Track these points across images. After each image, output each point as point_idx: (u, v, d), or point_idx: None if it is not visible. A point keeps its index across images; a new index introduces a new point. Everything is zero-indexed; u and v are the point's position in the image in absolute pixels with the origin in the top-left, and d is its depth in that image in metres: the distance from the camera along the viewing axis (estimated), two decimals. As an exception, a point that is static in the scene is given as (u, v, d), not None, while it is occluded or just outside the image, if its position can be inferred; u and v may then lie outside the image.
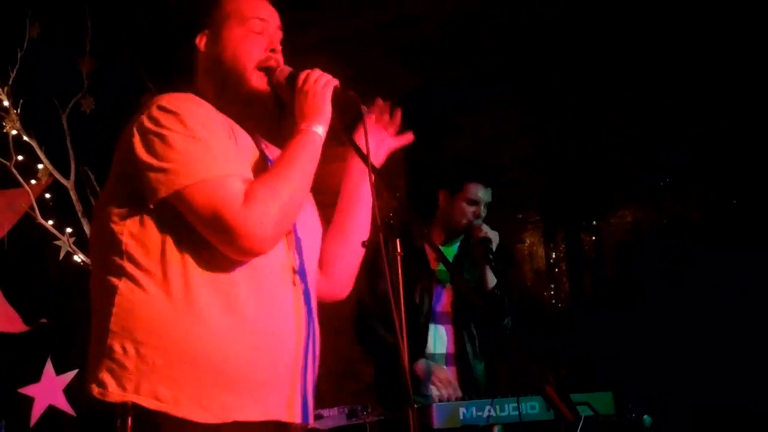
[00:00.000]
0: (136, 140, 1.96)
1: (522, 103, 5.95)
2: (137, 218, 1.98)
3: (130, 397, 1.88)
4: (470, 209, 4.11)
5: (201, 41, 2.21)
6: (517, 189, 5.92)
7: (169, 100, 2.01)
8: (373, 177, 2.08)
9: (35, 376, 5.35)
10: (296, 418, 2.05)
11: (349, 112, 2.13)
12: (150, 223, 1.97)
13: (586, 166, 5.78)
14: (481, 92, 5.96)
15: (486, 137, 6.07)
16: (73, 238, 5.48)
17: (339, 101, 2.12)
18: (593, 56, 5.68)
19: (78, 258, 5.47)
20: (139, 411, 1.88)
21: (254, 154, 2.14)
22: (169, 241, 1.96)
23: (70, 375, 5.39)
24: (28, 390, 5.32)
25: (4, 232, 5.49)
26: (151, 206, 1.95)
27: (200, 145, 1.94)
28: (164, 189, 1.92)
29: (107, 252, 2.00)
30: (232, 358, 1.93)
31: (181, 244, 1.96)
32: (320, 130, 2.10)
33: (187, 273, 1.94)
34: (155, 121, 1.96)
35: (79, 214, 5.51)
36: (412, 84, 5.99)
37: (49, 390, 5.35)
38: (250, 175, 2.01)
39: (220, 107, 2.13)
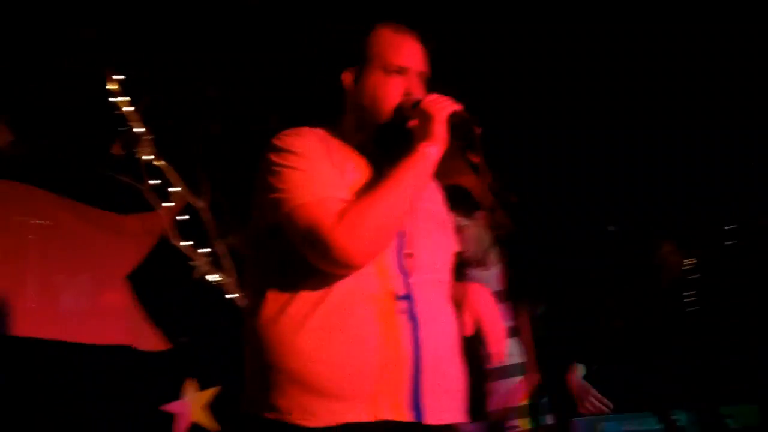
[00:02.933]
0: (258, 182, 2.20)
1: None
2: (260, 243, 2.20)
3: (255, 410, 2.10)
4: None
5: (347, 78, 2.31)
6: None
7: (281, 137, 2.21)
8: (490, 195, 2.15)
9: (177, 393, 5.51)
10: (407, 418, 2.09)
11: (463, 133, 2.19)
12: (265, 249, 2.18)
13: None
14: None
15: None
16: (208, 259, 5.62)
17: (455, 123, 2.18)
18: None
19: (212, 278, 5.61)
20: (262, 422, 2.07)
21: (364, 178, 2.22)
22: (280, 267, 2.14)
23: (212, 391, 5.53)
24: (171, 407, 5.48)
25: (143, 255, 5.69)
26: (266, 232, 2.16)
27: (303, 174, 2.12)
28: (273, 215, 2.12)
29: (248, 282, 2.26)
30: (322, 369, 2.05)
31: (289, 270, 2.12)
32: (433, 150, 2.16)
33: (291, 296, 2.11)
34: (267, 160, 2.18)
35: (213, 236, 5.65)
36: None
37: (191, 406, 5.50)
38: (350, 197, 2.13)
39: (355, 139, 2.29)
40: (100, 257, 5.51)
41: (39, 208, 5.27)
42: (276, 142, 2.20)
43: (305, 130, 2.26)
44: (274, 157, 2.16)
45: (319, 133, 2.27)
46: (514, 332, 3.81)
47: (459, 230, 3.59)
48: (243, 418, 2.13)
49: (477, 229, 3.85)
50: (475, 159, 2.24)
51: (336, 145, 2.25)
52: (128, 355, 5.45)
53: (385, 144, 2.27)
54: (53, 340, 5.08)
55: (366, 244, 2.06)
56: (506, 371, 3.79)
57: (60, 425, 4.95)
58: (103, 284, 5.48)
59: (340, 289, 2.08)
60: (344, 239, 2.02)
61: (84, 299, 5.34)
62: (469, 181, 2.54)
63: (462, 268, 3.56)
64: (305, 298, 2.08)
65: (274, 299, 2.11)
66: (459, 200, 3.48)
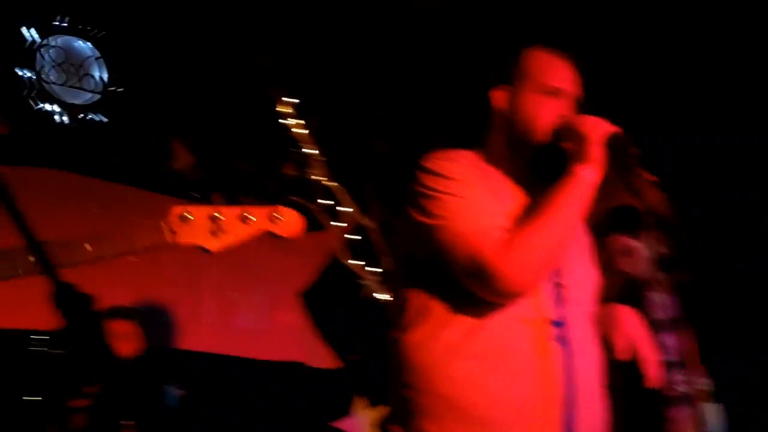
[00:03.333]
0: (408, 206, 2.17)
1: None
2: (412, 272, 2.18)
3: None
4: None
5: (497, 97, 2.27)
6: None
7: (430, 161, 2.16)
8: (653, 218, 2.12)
9: (347, 410, 5.58)
10: None
11: (621, 155, 2.12)
12: (419, 277, 2.15)
13: None
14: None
15: None
16: (377, 278, 5.68)
17: (612, 145, 2.12)
18: None
19: (381, 296, 5.66)
20: None
21: (520, 205, 2.17)
22: (433, 292, 2.11)
23: (381, 409, 5.56)
24: (341, 424, 5.56)
25: (314, 273, 5.82)
26: (421, 261, 2.12)
27: (459, 201, 2.08)
28: (430, 242, 2.08)
29: (397, 305, 2.21)
30: (477, 398, 2.02)
31: (443, 295, 2.10)
32: (590, 173, 2.10)
33: (445, 321, 2.08)
34: (421, 184, 2.14)
35: (382, 255, 5.70)
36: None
37: (359, 424, 5.56)
38: (508, 224, 2.09)
39: (505, 162, 2.25)
40: (273, 275, 5.68)
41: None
42: (428, 165, 2.16)
43: (456, 153, 2.23)
44: (427, 181, 2.13)
45: (468, 156, 2.24)
46: (686, 358, 3.64)
47: (628, 252, 3.46)
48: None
49: (646, 251, 3.71)
50: (635, 180, 2.16)
51: (486, 169, 2.23)
52: (300, 371, 5.58)
53: (540, 166, 2.23)
54: (228, 355, 5.27)
55: (530, 272, 2.02)
56: (683, 398, 3.63)
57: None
58: (275, 302, 5.64)
59: (496, 314, 2.05)
60: (509, 268, 1.99)
61: (258, 316, 5.51)
62: (629, 202, 2.43)
63: (632, 291, 3.44)
64: (460, 323, 2.06)
65: (426, 323, 2.10)
66: (626, 221, 3.37)
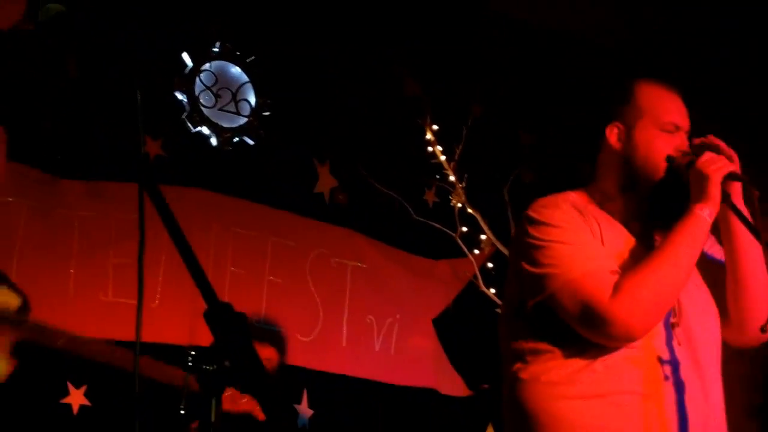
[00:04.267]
0: (516, 251, 2.20)
1: None
2: (518, 322, 2.18)
3: None
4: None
5: (611, 133, 2.25)
6: None
7: (535, 210, 2.18)
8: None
9: (478, 439, 5.57)
10: None
11: (742, 195, 2.11)
12: (527, 323, 2.15)
13: None
14: None
15: None
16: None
17: (731, 186, 2.11)
18: None
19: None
20: None
21: (629, 246, 2.16)
22: (543, 334, 2.12)
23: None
24: (471, 452, 5.55)
25: (450, 299, 5.84)
26: (529, 308, 2.12)
27: (567, 248, 2.08)
28: (539, 293, 2.08)
29: (503, 354, 2.24)
30: None
31: (552, 338, 2.10)
32: (707, 213, 2.06)
33: (553, 361, 2.08)
34: (527, 233, 2.15)
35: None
36: None
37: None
38: (618, 268, 2.07)
39: (615, 198, 2.24)
40: (409, 300, 5.72)
41: (357, 251, 5.57)
42: (532, 214, 2.17)
43: (560, 199, 2.23)
44: (533, 231, 2.13)
45: (573, 198, 2.24)
46: None
47: None
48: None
49: None
50: (754, 220, 2.13)
51: (591, 210, 2.21)
52: (432, 398, 5.59)
53: (653, 205, 2.21)
54: (363, 378, 5.33)
55: (645, 317, 2.00)
56: None
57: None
58: (411, 327, 5.67)
59: (604, 354, 2.04)
60: (623, 314, 1.96)
61: (393, 341, 5.55)
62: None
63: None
64: (567, 365, 2.06)
65: (535, 362, 2.11)
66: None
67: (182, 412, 2.73)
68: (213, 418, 1.54)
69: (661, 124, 2.19)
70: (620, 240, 2.17)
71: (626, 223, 2.22)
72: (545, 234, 2.11)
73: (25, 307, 2.17)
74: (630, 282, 1.99)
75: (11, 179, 4.33)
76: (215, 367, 1.52)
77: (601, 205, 2.24)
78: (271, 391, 1.54)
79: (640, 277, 2.00)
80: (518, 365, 2.12)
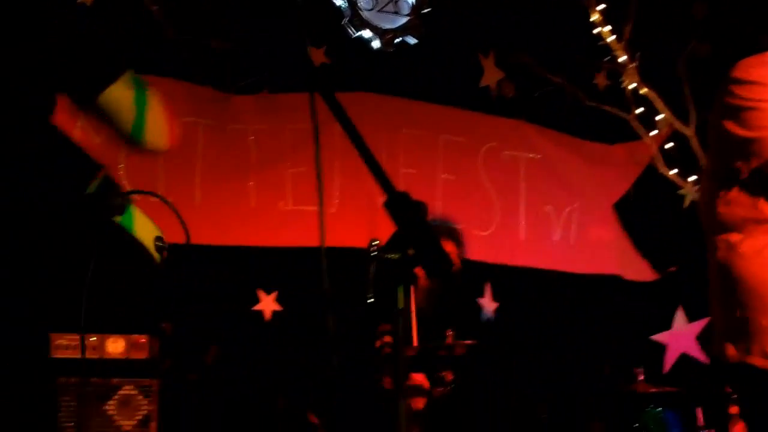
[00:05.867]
0: (724, 120, 2.06)
1: None
2: (731, 189, 2.07)
3: (745, 358, 1.99)
4: None
5: None
6: None
7: (741, 70, 2.05)
8: None
9: (667, 324, 5.45)
10: None
11: None
12: (744, 190, 2.04)
13: None
14: None
15: None
16: (697, 186, 5.41)
17: None
18: None
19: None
20: (752, 371, 1.98)
21: None
22: (762, 206, 2.01)
23: (702, 323, 5.36)
24: (660, 337, 5.44)
25: (629, 184, 5.68)
26: (746, 176, 2.02)
27: None
28: (756, 158, 1.98)
29: (711, 224, 2.12)
30: None
31: None
32: None
33: None
34: (733, 95, 2.02)
35: (702, 162, 5.42)
36: None
37: (681, 338, 5.41)
38: None
39: None
40: (587, 188, 5.61)
41: (529, 142, 5.50)
42: (740, 74, 2.05)
43: (760, 58, 2.09)
44: (742, 92, 2.02)
45: None
46: None
47: None
48: (718, 364, 2.05)
49: None
50: None
51: None
52: (617, 285, 5.51)
53: None
54: (544, 269, 5.32)
55: None
56: None
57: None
58: (590, 214, 5.57)
59: None
60: None
61: (572, 229, 5.48)
62: None
63: None
64: None
65: (754, 235, 2.00)
66: None
67: (370, 300, 2.76)
68: (401, 306, 1.57)
69: None
70: None
71: None
72: (757, 94, 2.00)
73: None
74: None
75: (185, 100, 4.50)
76: (399, 255, 1.54)
77: None
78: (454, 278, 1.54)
79: None
80: (735, 237, 2.03)
